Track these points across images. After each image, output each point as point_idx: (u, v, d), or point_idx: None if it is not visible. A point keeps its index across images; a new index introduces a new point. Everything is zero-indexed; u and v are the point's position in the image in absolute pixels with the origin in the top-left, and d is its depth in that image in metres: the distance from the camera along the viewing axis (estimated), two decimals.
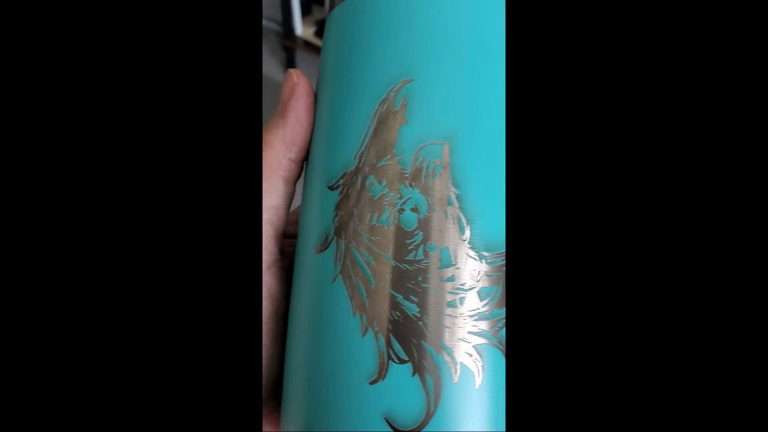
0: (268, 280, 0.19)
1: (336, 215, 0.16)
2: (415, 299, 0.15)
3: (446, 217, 0.15)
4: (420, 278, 0.15)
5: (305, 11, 1.49)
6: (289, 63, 1.51)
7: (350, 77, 0.17)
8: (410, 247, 0.15)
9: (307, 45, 1.46)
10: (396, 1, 0.16)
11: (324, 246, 0.16)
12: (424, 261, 0.15)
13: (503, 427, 0.16)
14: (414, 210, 0.15)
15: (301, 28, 1.47)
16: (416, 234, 0.15)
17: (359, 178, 0.16)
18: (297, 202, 0.20)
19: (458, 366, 0.15)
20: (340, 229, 0.16)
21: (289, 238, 0.20)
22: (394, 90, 0.16)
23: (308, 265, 0.17)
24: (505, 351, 0.16)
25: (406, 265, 0.15)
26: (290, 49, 1.50)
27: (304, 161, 0.19)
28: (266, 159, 0.18)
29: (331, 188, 0.17)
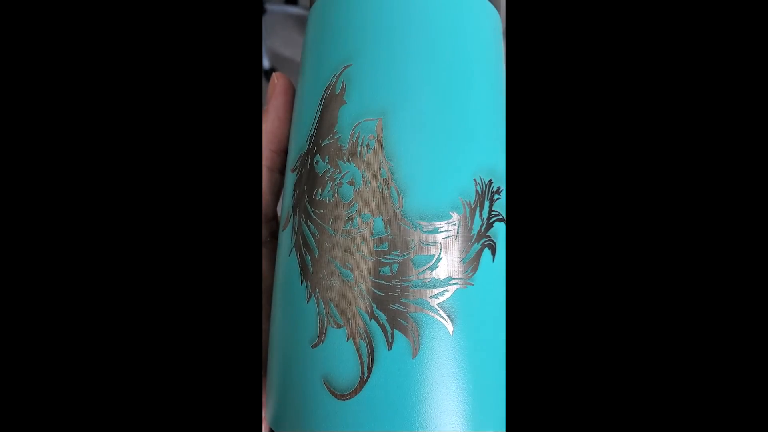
0: None
1: (294, 194, 0.18)
2: (350, 266, 0.16)
3: (379, 188, 0.16)
4: (355, 246, 0.16)
5: None
6: None
7: (309, 71, 0.19)
8: (347, 218, 0.16)
9: None
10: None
11: (286, 223, 0.18)
12: (359, 230, 0.16)
13: (443, 401, 0.15)
14: (350, 183, 0.16)
15: None
16: (352, 205, 0.16)
17: (309, 159, 0.17)
18: None
19: (392, 334, 0.15)
20: (295, 207, 0.18)
21: None
22: (335, 75, 0.17)
23: (279, 243, 0.19)
24: (449, 323, 0.15)
25: (343, 235, 0.16)
26: None
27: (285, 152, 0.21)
28: None
29: (292, 171, 0.18)
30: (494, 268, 0.17)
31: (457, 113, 0.17)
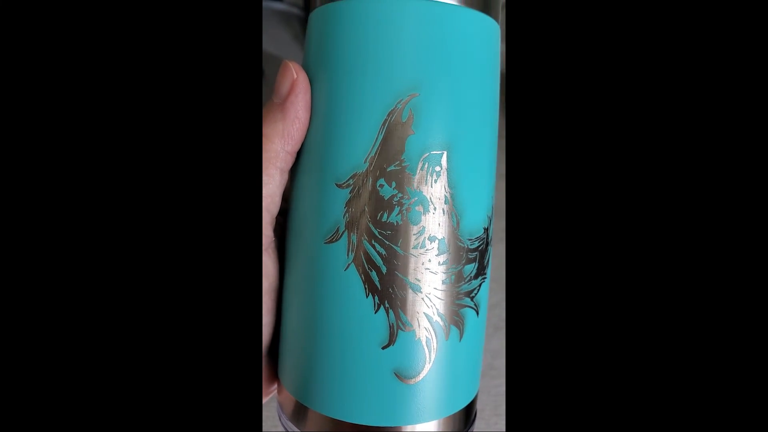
0: (264, 260, 0.20)
1: (346, 211, 0.18)
2: (419, 280, 0.19)
3: (443, 213, 0.19)
4: (423, 263, 0.18)
5: None
6: None
7: (358, 82, 0.18)
8: (417, 239, 0.18)
9: None
10: (405, 16, 0.18)
11: (335, 238, 0.19)
12: (428, 250, 0.18)
13: (477, 363, 0.21)
14: (419, 209, 0.18)
15: None
16: (421, 228, 0.18)
17: (370, 180, 0.18)
18: None
19: (449, 327, 0.19)
20: (351, 224, 0.18)
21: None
22: (401, 102, 0.18)
23: (314, 254, 0.19)
24: (477, 309, 0.20)
25: (413, 254, 0.18)
26: None
27: (297, 152, 0.20)
28: (265, 152, 0.19)
29: (339, 186, 0.18)
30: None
31: (491, 140, 0.20)
